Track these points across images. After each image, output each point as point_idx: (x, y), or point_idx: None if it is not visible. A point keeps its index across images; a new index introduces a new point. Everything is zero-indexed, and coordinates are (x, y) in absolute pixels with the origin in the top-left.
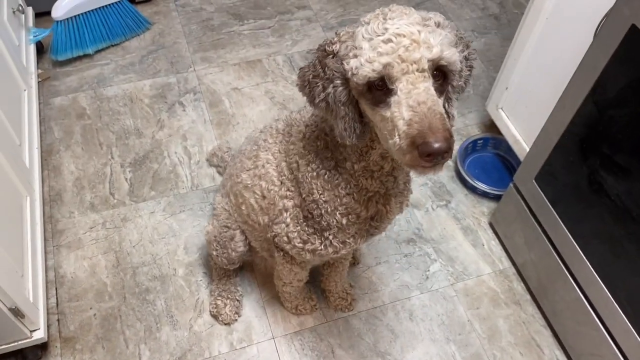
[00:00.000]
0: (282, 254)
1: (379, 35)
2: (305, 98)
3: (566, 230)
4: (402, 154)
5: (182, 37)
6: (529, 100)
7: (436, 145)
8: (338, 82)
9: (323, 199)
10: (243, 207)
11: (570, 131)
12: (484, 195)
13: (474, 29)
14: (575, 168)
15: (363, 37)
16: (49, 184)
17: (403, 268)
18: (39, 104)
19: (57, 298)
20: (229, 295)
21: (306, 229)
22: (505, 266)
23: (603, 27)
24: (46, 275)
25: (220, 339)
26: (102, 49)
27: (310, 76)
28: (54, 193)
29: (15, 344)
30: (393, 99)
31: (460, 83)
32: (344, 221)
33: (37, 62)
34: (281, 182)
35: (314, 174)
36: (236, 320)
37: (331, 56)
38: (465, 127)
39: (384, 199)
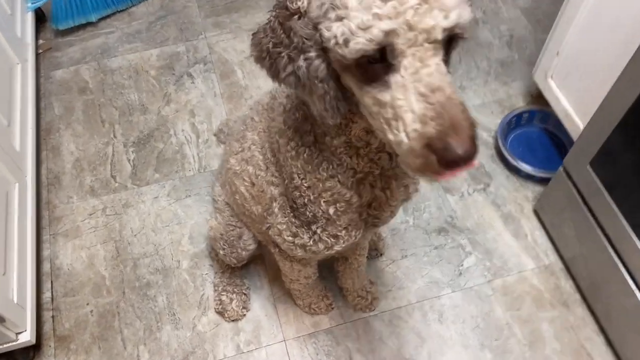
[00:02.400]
0: (277, 249)
1: None
2: (265, 72)
3: (625, 223)
4: (411, 157)
5: (193, 1)
6: (586, 68)
7: (461, 150)
8: (312, 54)
9: (305, 184)
10: (237, 197)
11: (638, 107)
12: (529, 177)
13: None
14: None
15: None
16: (47, 166)
17: (433, 262)
18: (39, 77)
19: (52, 292)
20: (235, 289)
21: (294, 220)
22: (551, 261)
23: None
24: (39, 268)
25: (225, 340)
26: (107, 16)
27: (270, 44)
28: (52, 176)
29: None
30: (394, 78)
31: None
32: (331, 211)
33: (39, 32)
34: (266, 167)
35: (293, 153)
36: (244, 315)
37: (297, 17)
38: (509, 98)
39: (381, 181)
